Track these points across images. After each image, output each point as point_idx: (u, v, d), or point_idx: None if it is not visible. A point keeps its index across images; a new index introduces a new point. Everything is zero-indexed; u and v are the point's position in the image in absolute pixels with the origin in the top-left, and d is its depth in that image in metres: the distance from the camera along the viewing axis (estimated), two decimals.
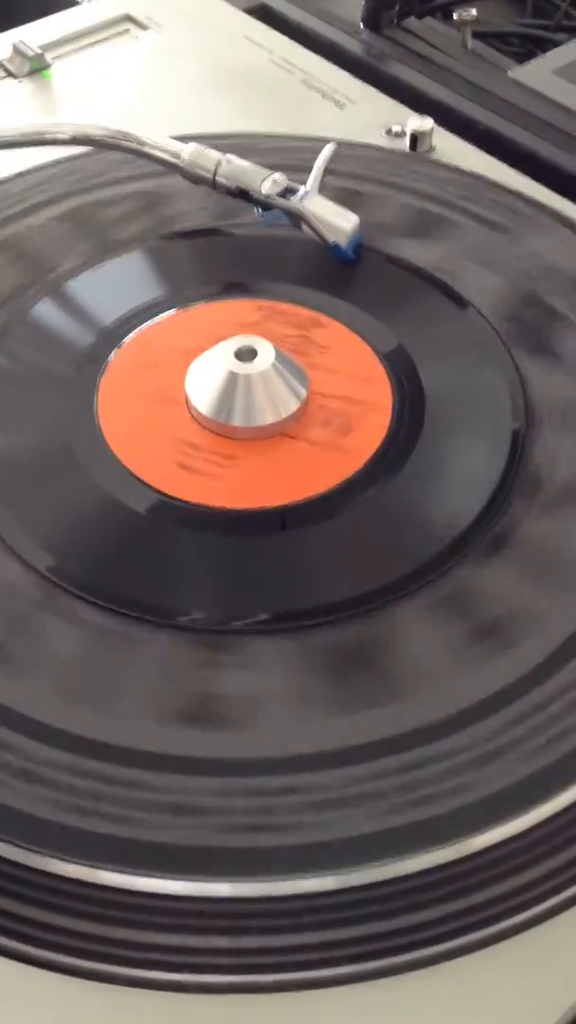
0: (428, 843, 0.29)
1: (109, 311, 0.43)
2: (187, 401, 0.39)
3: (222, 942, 0.28)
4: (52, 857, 0.29)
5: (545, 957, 0.29)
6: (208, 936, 0.28)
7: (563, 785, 0.31)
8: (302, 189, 0.43)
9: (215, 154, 0.44)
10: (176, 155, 0.44)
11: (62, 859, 0.29)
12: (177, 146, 0.44)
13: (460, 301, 0.43)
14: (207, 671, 0.33)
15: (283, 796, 0.30)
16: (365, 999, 0.28)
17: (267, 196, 0.43)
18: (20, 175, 0.49)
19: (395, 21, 0.62)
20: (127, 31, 0.62)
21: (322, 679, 0.33)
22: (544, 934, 0.29)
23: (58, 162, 0.49)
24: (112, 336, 0.42)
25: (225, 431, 0.39)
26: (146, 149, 0.45)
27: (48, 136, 0.45)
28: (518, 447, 0.38)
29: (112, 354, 0.42)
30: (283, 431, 0.39)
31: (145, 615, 0.34)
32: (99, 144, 0.45)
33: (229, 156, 0.44)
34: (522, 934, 0.29)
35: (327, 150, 0.45)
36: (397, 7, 0.62)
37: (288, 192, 0.43)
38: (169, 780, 0.30)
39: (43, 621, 0.34)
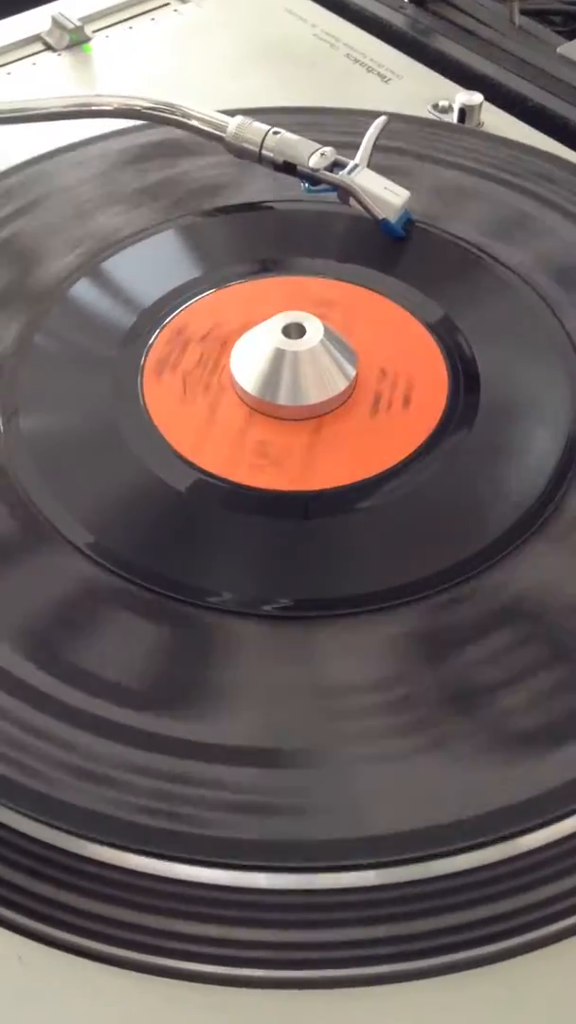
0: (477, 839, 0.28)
1: (150, 290, 0.42)
2: (232, 379, 0.38)
3: (267, 935, 0.27)
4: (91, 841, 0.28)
5: None
6: (251, 928, 0.28)
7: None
8: (351, 163, 0.42)
9: (262, 127, 0.43)
10: (222, 128, 0.43)
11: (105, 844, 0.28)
12: (223, 119, 0.44)
13: (512, 278, 0.42)
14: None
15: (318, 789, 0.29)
16: (409, 998, 0.27)
17: (315, 170, 0.42)
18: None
19: None
20: (168, 4, 0.61)
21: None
22: None
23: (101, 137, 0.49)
24: (154, 316, 0.41)
25: (270, 410, 0.38)
26: (191, 121, 0.44)
27: (93, 108, 0.44)
28: None
29: (155, 334, 0.41)
30: (330, 410, 0.38)
31: (191, 597, 0.33)
32: (144, 116, 0.44)
33: (276, 129, 0.43)
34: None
35: (377, 123, 0.44)
36: None
37: (336, 166, 0.42)
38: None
39: (90, 604, 0.33)
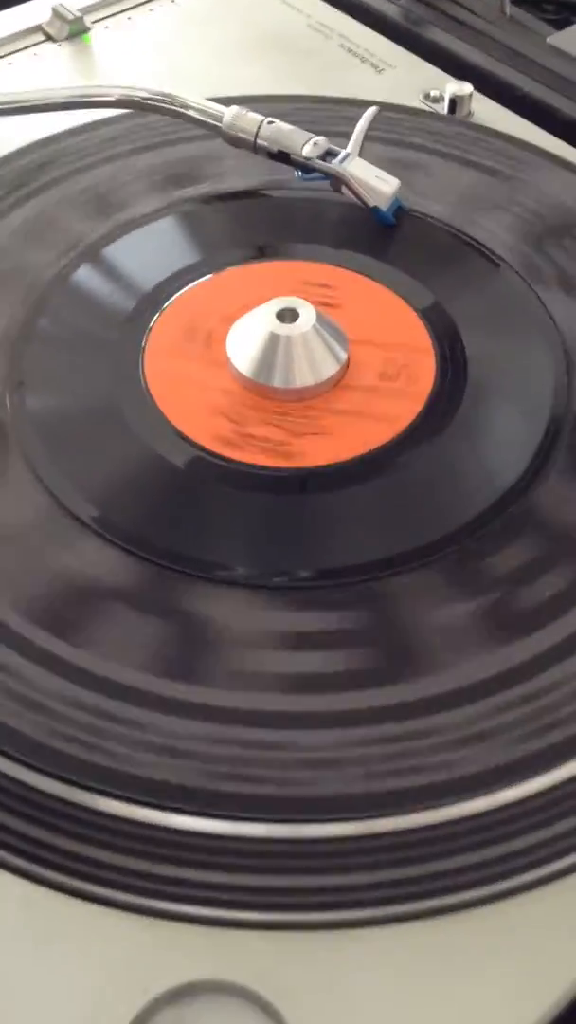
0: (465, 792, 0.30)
1: (149, 276, 0.44)
2: (228, 362, 0.40)
3: (267, 881, 0.29)
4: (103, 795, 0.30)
5: None
6: (252, 874, 0.29)
7: None
8: (343, 152, 0.44)
9: (257, 117, 0.44)
10: (218, 117, 0.45)
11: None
12: (219, 108, 0.45)
13: (498, 263, 0.44)
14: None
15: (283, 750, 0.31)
16: (400, 940, 0.29)
17: (308, 159, 0.44)
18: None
19: None
20: None
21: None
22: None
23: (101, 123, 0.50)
24: (153, 301, 0.43)
25: (264, 392, 0.39)
26: (189, 112, 0.45)
27: (94, 99, 0.45)
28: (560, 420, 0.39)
29: (155, 318, 0.42)
30: (324, 391, 0.39)
31: (197, 570, 0.35)
32: (143, 107, 0.45)
33: (271, 119, 0.44)
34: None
35: (368, 113, 0.45)
36: None
37: (329, 155, 0.44)
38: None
39: (96, 578, 0.35)
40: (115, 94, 0.45)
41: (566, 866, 0.30)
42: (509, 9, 0.61)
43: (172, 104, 0.45)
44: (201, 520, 0.36)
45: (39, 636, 0.33)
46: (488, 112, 0.54)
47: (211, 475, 0.37)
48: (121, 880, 0.29)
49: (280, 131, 0.44)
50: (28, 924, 0.29)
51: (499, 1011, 0.28)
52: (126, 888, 0.29)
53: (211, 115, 0.45)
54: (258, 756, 0.31)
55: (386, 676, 0.32)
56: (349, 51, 0.58)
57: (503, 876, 0.29)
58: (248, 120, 0.44)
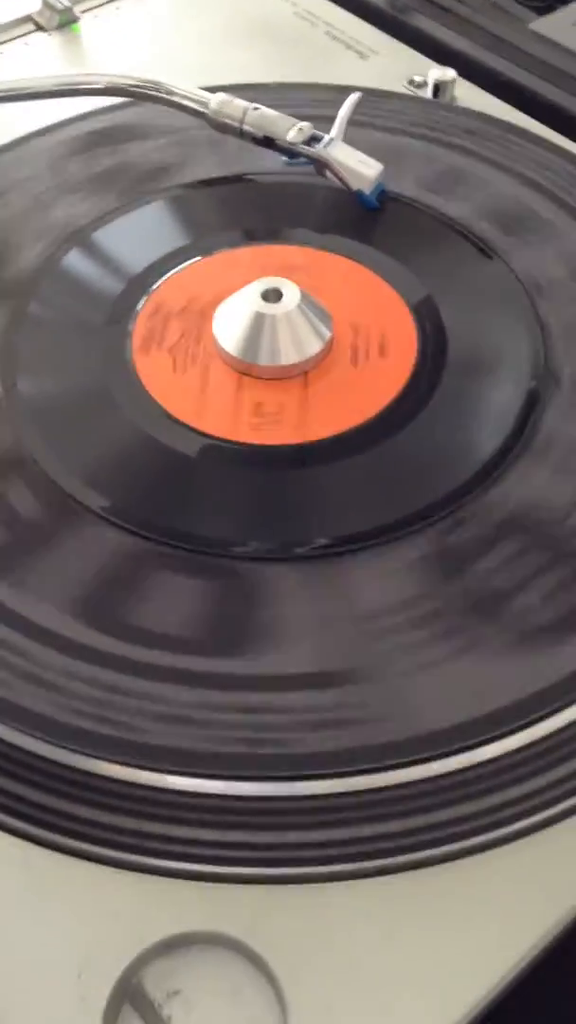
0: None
1: (139, 259, 0.45)
2: (215, 342, 0.41)
3: (256, 837, 0.30)
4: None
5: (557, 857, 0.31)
6: (241, 831, 0.31)
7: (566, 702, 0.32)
8: (327, 137, 0.45)
9: (242, 103, 0.45)
10: (204, 104, 0.46)
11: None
12: (205, 96, 0.46)
13: (481, 246, 0.45)
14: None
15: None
16: (383, 892, 0.30)
17: (292, 144, 0.45)
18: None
19: None
20: None
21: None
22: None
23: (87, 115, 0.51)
24: (141, 284, 0.44)
25: (250, 370, 0.40)
26: (175, 99, 0.46)
27: (82, 87, 0.46)
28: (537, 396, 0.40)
29: (142, 301, 0.43)
30: (311, 368, 0.40)
31: (198, 547, 0.36)
32: (130, 94, 0.46)
33: (256, 105, 0.45)
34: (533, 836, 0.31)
35: (351, 99, 0.46)
36: None
37: (313, 140, 0.45)
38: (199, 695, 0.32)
39: (85, 548, 0.36)
40: (103, 82, 0.46)
41: (541, 820, 0.31)
42: None
43: (159, 91, 0.46)
44: (192, 496, 0.37)
45: (37, 613, 0.34)
46: (471, 97, 0.55)
47: (199, 453, 0.38)
48: (113, 838, 0.30)
49: (265, 117, 0.45)
50: (25, 881, 0.30)
51: (477, 958, 0.29)
52: (118, 846, 0.30)
53: (197, 102, 0.46)
54: (245, 719, 0.32)
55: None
56: (334, 38, 0.59)
57: (480, 830, 0.30)
58: (234, 107, 0.45)
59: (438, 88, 0.54)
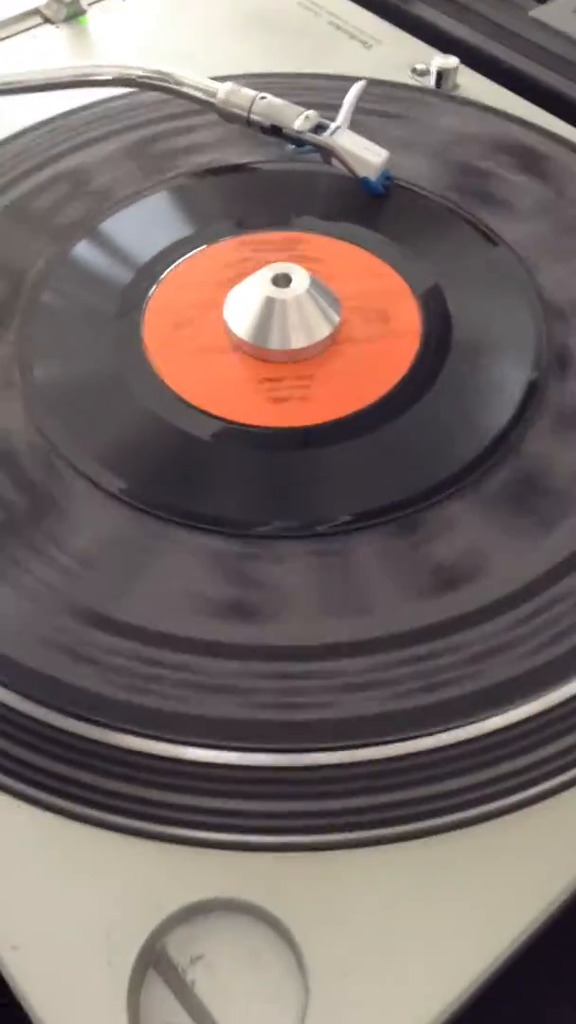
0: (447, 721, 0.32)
1: (148, 248, 0.46)
2: (226, 327, 0.42)
3: (274, 806, 0.31)
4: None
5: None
6: (260, 800, 0.31)
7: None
8: (333, 125, 0.45)
9: (250, 92, 0.46)
10: (212, 94, 0.46)
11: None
12: (213, 85, 0.47)
13: (483, 230, 0.45)
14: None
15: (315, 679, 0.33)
16: (398, 858, 0.31)
17: (299, 132, 0.45)
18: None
19: None
20: None
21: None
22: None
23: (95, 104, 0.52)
24: (150, 272, 0.45)
25: (262, 354, 0.41)
26: (184, 89, 0.47)
27: (91, 78, 0.47)
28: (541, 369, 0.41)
29: (153, 288, 0.44)
30: (317, 353, 0.41)
31: (206, 524, 0.37)
32: (139, 84, 0.47)
33: (263, 94, 0.46)
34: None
35: (357, 87, 0.47)
36: None
37: (320, 128, 0.45)
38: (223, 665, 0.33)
39: (99, 526, 0.37)
40: (112, 73, 0.47)
41: (550, 787, 0.32)
42: None
43: (167, 82, 0.47)
44: (203, 477, 0.38)
45: (71, 592, 0.35)
46: (474, 84, 0.55)
47: (210, 435, 0.39)
48: (136, 808, 0.31)
49: (272, 106, 0.46)
50: (52, 852, 0.31)
51: (490, 922, 0.30)
52: (140, 816, 0.31)
53: (206, 91, 0.46)
54: (267, 685, 0.33)
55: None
56: (338, 28, 0.59)
57: (491, 798, 0.31)
58: (241, 96, 0.46)
59: (441, 75, 0.54)
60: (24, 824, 0.32)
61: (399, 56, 0.57)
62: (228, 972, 0.30)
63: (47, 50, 0.58)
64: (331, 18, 0.60)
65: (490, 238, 0.45)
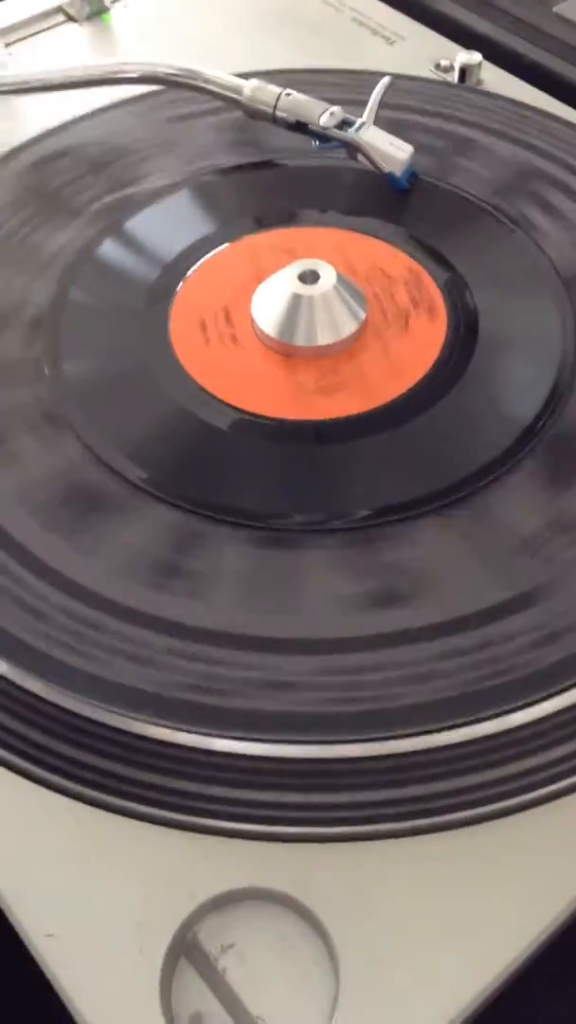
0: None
1: (172, 245, 0.46)
2: (253, 323, 0.42)
3: (296, 798, 0.32)
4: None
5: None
6: (290, 792, 0.32)
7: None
8: (358, 121, 0.46)
9: (275, 89, 0.46)
10: (238, 91, 0.47)
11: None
12: (239, 83, 0.47)
13: (509, 225, 0.46)
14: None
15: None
16: (427, 850, 0.31)
17: (325, 128, 0.46)
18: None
19: None
20: None
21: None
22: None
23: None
24: (176, 269, 0.45)
25: (288, 350, 0.41)
26: (210, 86, 0.47)
27: (118, 75, 0.47)
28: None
29: (179, 285, 0.44)
30: (344, 349, 0.41)
31: (235, 517, 0.37)
32: (166, 82, 0.47)
33: (288, 91, 0.46)
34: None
35: (382, 83, 0.47)
36: None
37: (345, 124, 0.46)
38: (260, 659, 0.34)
39: (134, 524, 0.37)
40: (138, 71, 0.47)
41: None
42: None
43: (194, 79, 0.47)
44: (232, 471, 0.38)
45: (110, 586, 0.35)
46: (497, 80, 0.55)
47: (238, 428, 0.39)
48: (168, 800, 0.32)
49: (297, 102, 0.46)
50: (87, 842, 0.32)
51: (510, 915, 0.30)
52: (172, 807, 0.31)
53: (232, 88, 0.47)
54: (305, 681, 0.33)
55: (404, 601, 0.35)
56: (361, 24, 0.60)
57: (515, 793, 0.32)
58: (267, 93, 0.46)
59: (464, 72, 0.55)
60: (59, 815, 0.32)
61: (422, 52, 0.57)
62: (259, 961, 0.30)
63: (71, 48, 0.59)
64: (354, 14, 0.60)
65: (515, 232, 0.46)
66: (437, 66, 0.56)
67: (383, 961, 0.30)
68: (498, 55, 0.57)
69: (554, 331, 0.42)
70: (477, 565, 0.35)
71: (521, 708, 0.32)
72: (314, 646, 0.34)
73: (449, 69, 0.56)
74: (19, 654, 0.34)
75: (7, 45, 0.59)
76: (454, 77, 0.55)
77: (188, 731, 0.32)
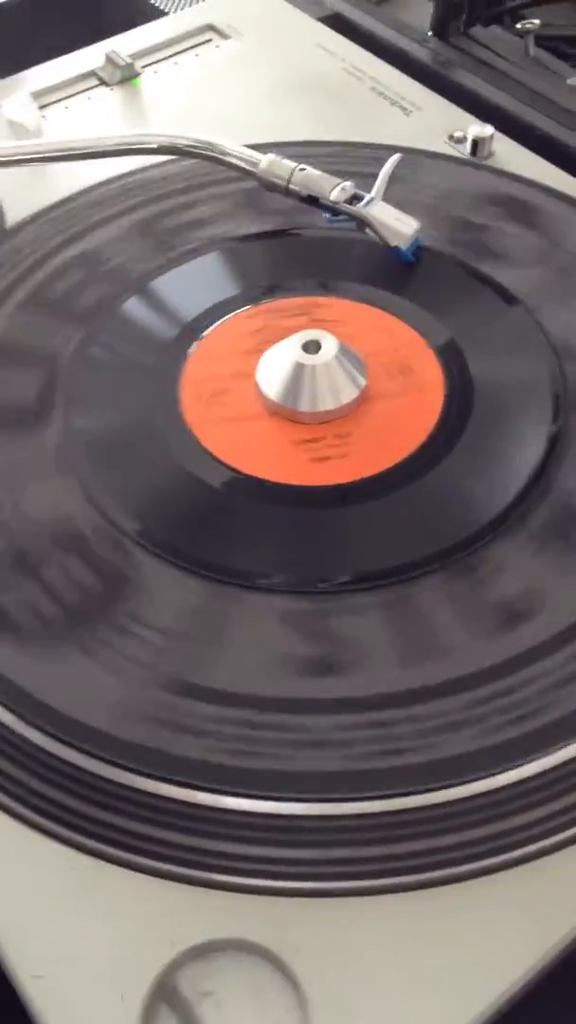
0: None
1: (190, 307, 0.48)
2: (258, 389, 0.44)
3: (282, 853, 0.33)
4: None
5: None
6: (262, 846, 0.33)
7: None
8: (367, 196, 0.48)
9: (290, 164, 0.48)
10: (254, 164, 0.49)
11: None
12: (255, 156, 0.49)
13: (509, 299, 0.47)
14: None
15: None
16: (400, 907, 0.33)
17: (335, 202, 0.48)
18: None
19: (462, 29, 0.66)
20: (210, 40, 0.67)
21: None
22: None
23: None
24: (191, 331, 0.47)
25: (292, 415, 0.43)
26: (228, 158, 0.49)
27: (140, 146, 0.49)
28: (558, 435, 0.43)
29: (193, 346, 0.46)
30: (345, 415, 0.43)
31: (233, 579, 0.39)
32: (185, 153, 0.49)
33: (302, 166, 0.48)
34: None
35: (391, 160, 0.49)
36: (464, 15, 0.66)
37: (355, 199, 0.48)
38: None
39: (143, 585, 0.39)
40: (159, 142, 0.49)
41: (551, 844, 0.33)
42: (533, 50, 0.65)
43: (212, 151, 0.49)
44: (230, 533, 0.40)
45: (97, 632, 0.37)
46: (508, 152, 0.57)
47: (239, 492, 0.41)
48: (150, 848, 0.33)
49: (310, 177, 0.48)
50: (71, 887, 0.33)
51: (488, 970, 0.32)
52: (155, 856, 0.33)
53: (248, 162, 0.49)
54: (278, 737, 0.35)
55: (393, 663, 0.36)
56: (380, 94, 0.62)
57: (492, 853, 0.33)
58: (282, 167, 0.48)
59: (476, 144, 0.57)
60: (50, 861, 0.34)
61: (437, 123, 0.59)
62: (234, 1008, 0.31)
63: (102, 112, 0.61)
64: (373, 83, 0.63)
65: (514, 305, 0.47)
66: (451, 137, 0.58)
67: (354, 1011, 0.31)
68: (512, 126, 0.59)
69: (545, 383, 0.44)
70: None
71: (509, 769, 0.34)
72: (297, 704, 0.36)
73: (463, 140, 0.57)
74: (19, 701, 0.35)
75: (42, 107, 0.62)
76: (467, 148, 0.57)
77: (171, 783, 0.34)
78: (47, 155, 0.50)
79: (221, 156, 0.49)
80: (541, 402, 0.43)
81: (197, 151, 0.50)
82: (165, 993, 0.32)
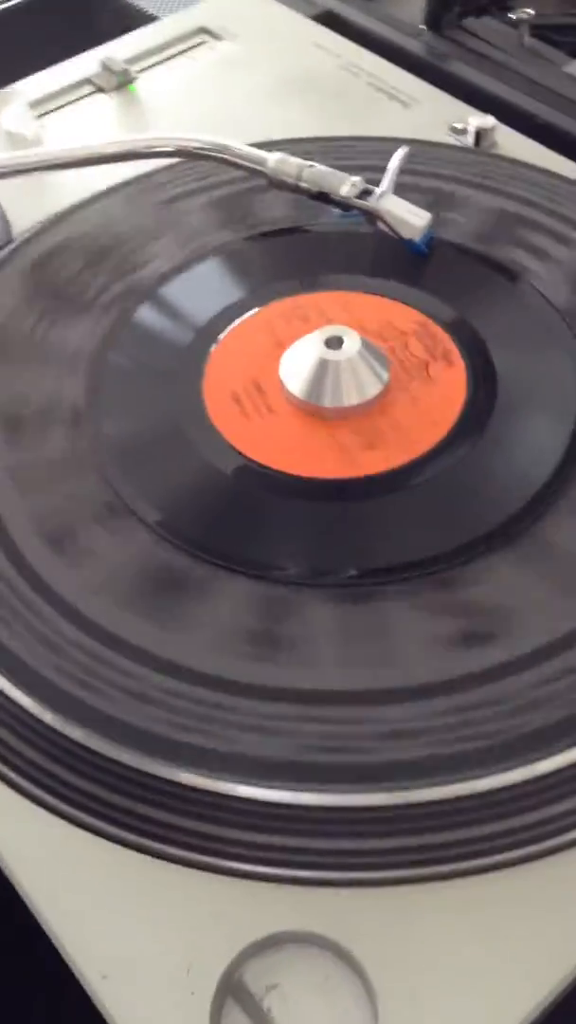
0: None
1: (205, 310, 0.48)
2: (281, 385, 0.44)
3: (342, 844, 0.33)
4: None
5: None
6: (323, 838, 0.34)
7: None
8: (377, 190, 0.48)
9: (298, 161, 0.49)
10: (263, 163, 0.49)
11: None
12: (264, 156, 0.49)
13: (526, 287, 0.48)
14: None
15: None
16: (463, 893, 0.33)
17: (346, 198, 0.48)
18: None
19: (455, 22, 0.66)
20: (203, 43, 0.67)
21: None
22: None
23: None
24: (209, 333, 0.47)
25: (315, 411, 0.44)
26: (237, 159, 0.49)
27: (150, 150, 0.50)
28: None
29: (211, 348, 0.46)
30: (368, 410, 0.43)
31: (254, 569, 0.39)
32: (196, 156, 0.50)
33: (311, 163, 0.49)
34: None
35: (400, 153, 0.49)
36: (457, 8, 0.66)
37: (365, 193, 0.48)
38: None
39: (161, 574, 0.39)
40: (170, 145, 0.50)
41: None
42: (527, 40, 0.65)
43: (223, 153, 0.49)
44: (258, 526, 0.41)
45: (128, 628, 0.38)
46: (511, 142, 0.57)
47: (263, 485, 0.42)
48: (216, 847, 0.33)
49: (319, 174, 0.48)
50: (138, 888, 0.33)
51: (553, 953, 0.32)
52: (221, 854, 0.33)
53: (258, 161, 0.49)
54: (337, 731, 0.35)
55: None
56: (377, 89, 0.62)
57: (558, 832, 0.33)
58: (291, 164, 0.49)
59: (479, 135, 0.57)
60: (114, 863, 0.34)
61: (437, 115, 0.59)
62: (301, 1000, 0.32)
63: (100, 118, 0.61)
64: (370, 79, 0.63)
65: (530, 291, 0.48)
66: (453, 129, 0.58)
67: (420, 999, 0.31)
68: (511, 116, 0.59)
69: (570, 383, 0.44)
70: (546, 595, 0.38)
71: (545, 757, 0.34)
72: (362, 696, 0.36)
73: (464, 132, 0.58)
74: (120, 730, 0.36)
75: (39, 116, 0.62)
76: (469, 140, 0.57)
77: (230, 781, 0.34)
78: (55, 163, 0.50)
79: (231, 157, 0.50)
80: (565, 391, 0.44)
81: (208, 153, 0.50)
82: (231, 988, 0.32)
